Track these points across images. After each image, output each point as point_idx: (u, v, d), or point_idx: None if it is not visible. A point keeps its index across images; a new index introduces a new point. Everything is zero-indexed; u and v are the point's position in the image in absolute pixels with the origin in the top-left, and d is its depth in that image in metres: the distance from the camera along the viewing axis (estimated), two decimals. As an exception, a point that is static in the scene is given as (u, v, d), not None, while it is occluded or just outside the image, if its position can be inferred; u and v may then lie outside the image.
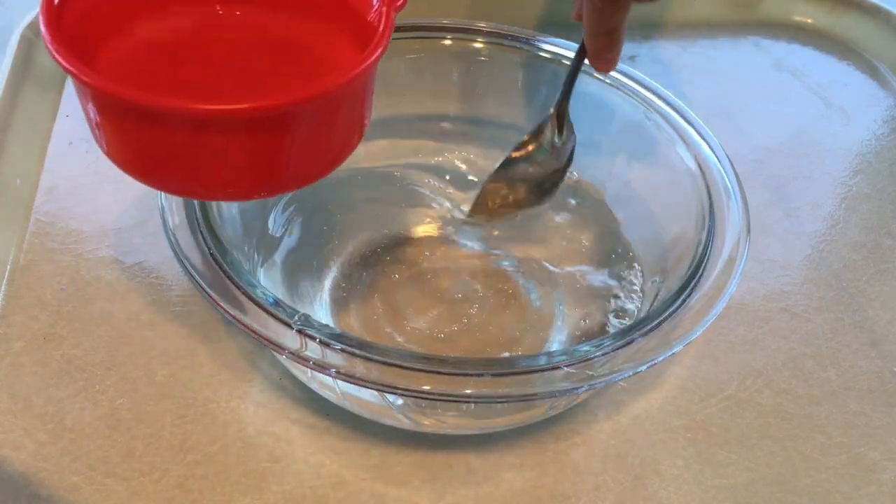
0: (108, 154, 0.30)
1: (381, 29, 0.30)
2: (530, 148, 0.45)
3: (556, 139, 0.44)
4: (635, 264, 0.43)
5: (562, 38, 0.46)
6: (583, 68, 0.42)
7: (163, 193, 0.36)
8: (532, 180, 0.45)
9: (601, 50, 0.40)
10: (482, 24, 0.46)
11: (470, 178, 0.48)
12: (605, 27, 0.39)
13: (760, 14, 0.65)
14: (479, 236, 0.45)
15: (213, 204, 0.37)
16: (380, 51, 0.30)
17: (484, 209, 0.45)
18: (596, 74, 0.45)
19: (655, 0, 0.39)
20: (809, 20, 0.65)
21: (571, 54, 0.45)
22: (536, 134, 0.44)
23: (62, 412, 0.37)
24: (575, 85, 0.43)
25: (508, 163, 0.45)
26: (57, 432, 0.36)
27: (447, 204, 0.47)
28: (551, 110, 0.43)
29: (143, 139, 0.29)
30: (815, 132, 0.56)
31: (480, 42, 0.47)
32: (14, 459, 0.35)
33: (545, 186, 0.45)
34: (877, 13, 0.63)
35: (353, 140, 0.33)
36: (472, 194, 0.46)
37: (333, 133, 0.31)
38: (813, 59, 0.62)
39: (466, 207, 0.46)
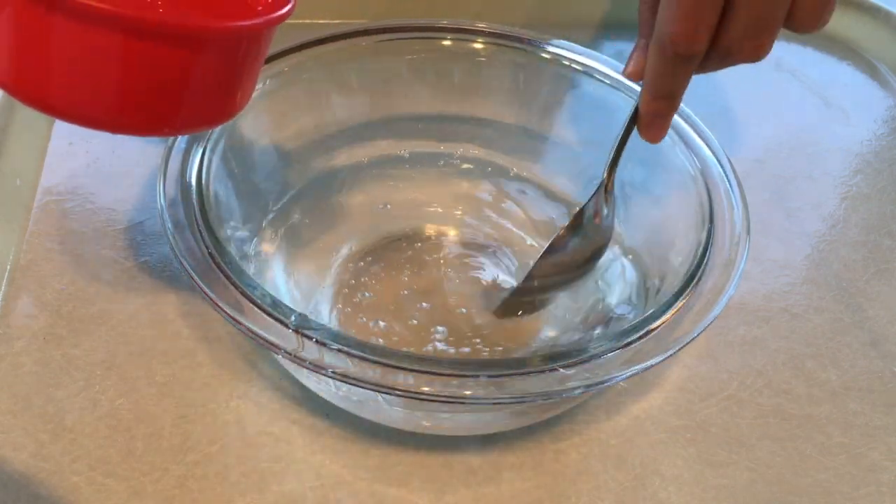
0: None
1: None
2: (572, 228, 0.40)
3: (605, 210, 0.40)
4: (635, 265, 0.43)
5: (562, 38, 0.46)
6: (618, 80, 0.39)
7: (163, 193, 0.36)
8: (573, 261, 0.41)
9: (657, 116, 0.36)
10: (482, 24, 0.46)
11: (469, 176, 0.48)
12: (669, 88, 0.35)
13: (761, 14, 0.65)
14: (479, 236, 0.45)
15: (213, 203, 0.37)
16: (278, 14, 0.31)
17: (514, 306, 0.41)
18: (596, 75, 0.45)
19: (744, 61, 0.33)
20: (810, 20, 0.65)
21: (572, 54, 0.46)
22: (580, 213, 0.40)
23: (62, 412, 0.37)
24: (622, 154, 0.39)
25: (549, 252, 0.40)
26: (57, 432, 0.36)
27: (444, 203, 0.47)
28: (603, 176, 0.40)
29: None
30: (815, 132, 0.56)
31: (480, 42, 0.47)
32: (14, 459, 0.35)
33: (584, 264, 0.41)
34: (877, 13, 0.63)
35: (226, 101, 0.33)
36: (470, 193, 0.46)
37: (201, 80, 0.31)
38: (813, 59, 0.62)
39: (460, 210, 0.46)
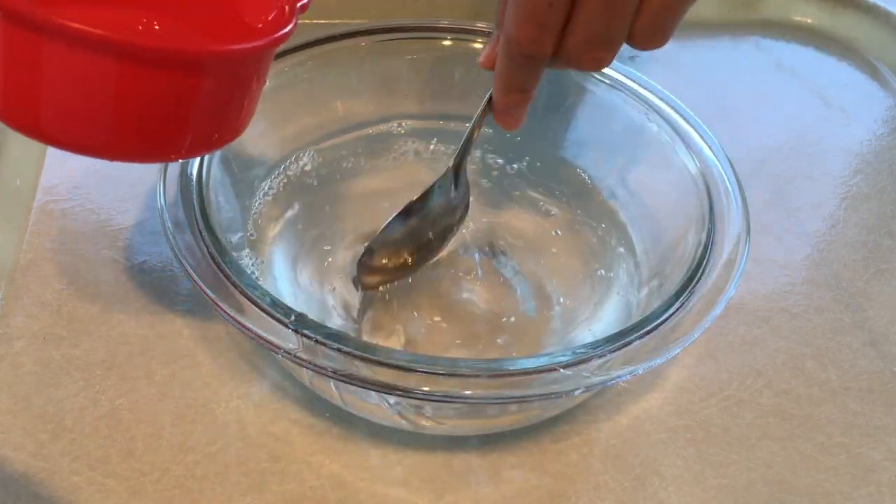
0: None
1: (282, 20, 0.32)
2: (422, 203, 0.41)
3: (453, 194, 0.41)
4: (636, 265, 0.43)
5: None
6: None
7: (163, 193, 0.36)
8: (421, 236, 0.42)
9: (511, 106, 0.37)
10: (482, 25, 0.47)
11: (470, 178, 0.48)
12: (520, 83, 0.35)
13: (760, 14, 0.65)
14: (479, 237, 0.45)
15: (213, 203, 0.37)
16: (275, 36, 0.31)
17: (372, 279, 0.42)
18: (595, 75, 0.45)
19: (586, 69, 0.33)
20: (809, 20, 0.65)
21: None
22: (429, 190, 0.41)
23: (62, 412, 0.37)
24: (473, 142, 0.40)
25: (396, 221, 0.41)
26: (57, 432, 0.36)
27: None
28: (450, 163, 0.41)
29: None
30: (815, 132, 0.56)
31: (480, 42, 0.47)
32: (14, 459, 0.35)
33: (433, 244, 0.42)
34: (877, 13, 0.63)
35: (224, 125, 0.32)
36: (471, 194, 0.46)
37: (203, 105, 0.30)
38: (813, 59, 0.62)
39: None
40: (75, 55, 0.27)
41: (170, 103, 0.29)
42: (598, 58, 0.32)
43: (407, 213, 0.41)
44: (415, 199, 0.41)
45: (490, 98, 0.37)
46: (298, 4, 0.33)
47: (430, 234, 0.42)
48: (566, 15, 0.31)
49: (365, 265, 0.41)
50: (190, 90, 0.29)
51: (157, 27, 0.34)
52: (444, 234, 0.43)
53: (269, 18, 0.33)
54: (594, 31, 0.31)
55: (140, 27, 0.33)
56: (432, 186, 0.41)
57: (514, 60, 0.34)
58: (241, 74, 0.31)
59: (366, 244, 0.41)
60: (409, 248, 0.42)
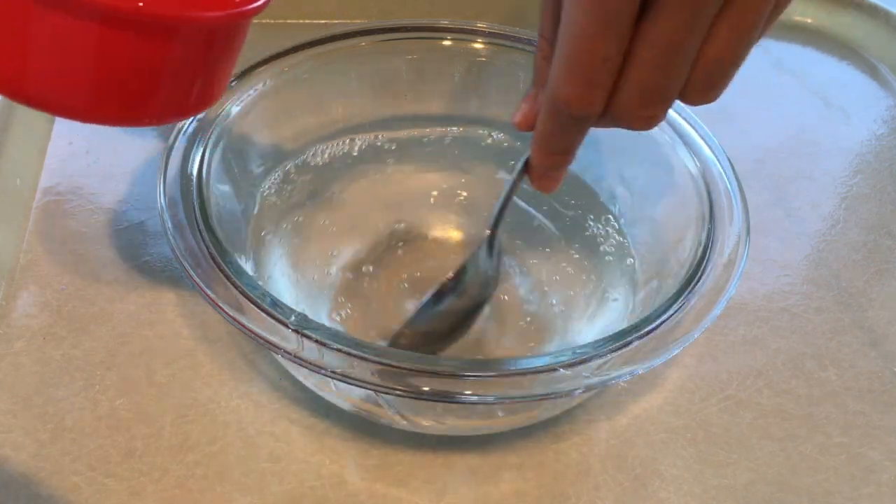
0: None
1: None
2: (456, 281, 0.39)
3: (487, 265, 0.38)
4: (636, 265, 0.43)
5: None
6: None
7: (163, 193, 0.36)
8: (455, 315, 0.39)
9: (551, 169, 0.34)
10: (482, 25, 0.47)
11: (470, 177, 0.48)
12: (564, 145, 0.32)
13: (761, 14, 0.65)
14: (479, 237, 0.45)
15: (213, 203, 0.37)
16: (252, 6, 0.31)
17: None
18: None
19: (635, 128, 0.31)
20: (809, 20, 0.65)
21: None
22: (462, 267, 0.39)
23: (62, 412, 0.37)
24: (508, 208, 0.37)
25: (427, 305, 0.39)
26: (57, 432, 0.36)
27: (445, 204, 0.47)
28: (486, 233, 0.38)
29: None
30: (815, 132, 0.56)
31: (480, 42, 0.47)
32: (14, 459, 0.35)
33: (466, 322, 0.39)
34: (877, 13, 0.63)
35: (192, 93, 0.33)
36: (471, 195, 0.46)
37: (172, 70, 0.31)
38: (813, 59, 0.62)
39: (460, 210, 0.46)
40: (57, 17, 0.28)
41: (147, 68, 0.30)
42: (650, 115, 0.29)
43: (439, 294, 0.39)
44: (447, 277, 0.39)
45: (526, 160, 0.35)
46: None
47: (463, 312, 0.39)
48: (619, 70, 0.28)
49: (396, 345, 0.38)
50: (165, 56, 0.30)
51: None
52: (477, 309, 0.39)
53: None
54: (649, 86, 0.28)
55: None
56: (465, 262, 0.39)
57: (560, 122, 0.31)
58: (218, 42, 0.32)
59: (398, 327, 0.39)
60: (441, 330, 0.39)
